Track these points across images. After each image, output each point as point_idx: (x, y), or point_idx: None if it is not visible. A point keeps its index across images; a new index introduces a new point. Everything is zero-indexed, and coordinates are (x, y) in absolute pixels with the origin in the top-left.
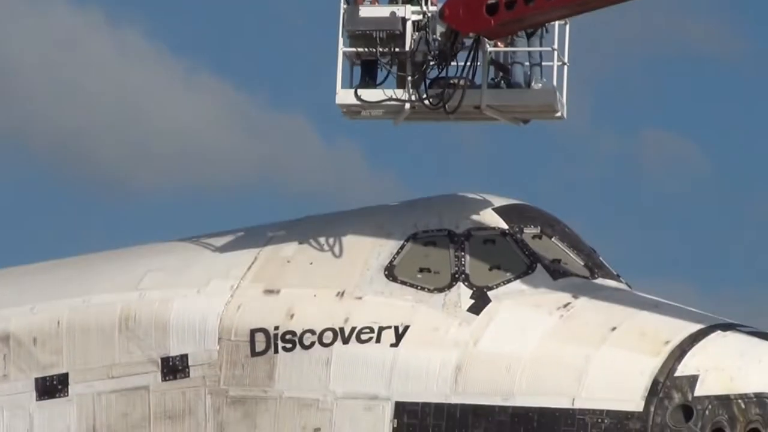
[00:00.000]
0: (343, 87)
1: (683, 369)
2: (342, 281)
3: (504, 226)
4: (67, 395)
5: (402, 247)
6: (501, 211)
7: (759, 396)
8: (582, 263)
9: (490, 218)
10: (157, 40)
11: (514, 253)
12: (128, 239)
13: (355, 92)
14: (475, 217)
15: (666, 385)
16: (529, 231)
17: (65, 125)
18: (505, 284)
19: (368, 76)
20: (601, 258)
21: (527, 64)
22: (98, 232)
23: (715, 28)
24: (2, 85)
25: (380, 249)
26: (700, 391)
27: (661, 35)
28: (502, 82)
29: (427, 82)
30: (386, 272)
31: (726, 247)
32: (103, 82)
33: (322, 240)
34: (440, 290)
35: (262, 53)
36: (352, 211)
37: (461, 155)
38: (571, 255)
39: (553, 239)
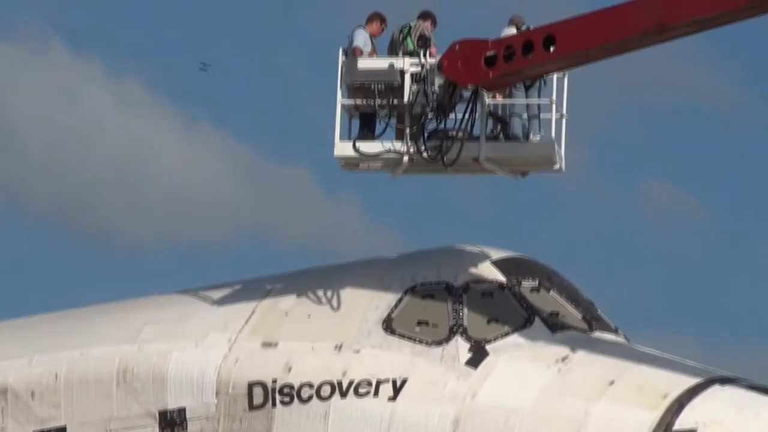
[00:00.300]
0: (341, 139)
1: (681, 423)
2: (340, 334)
3: (502, 278)
4: None
5: (400, 300)
6: (499, 263)
7: None
8: (580, 316)
9: (489, 271)
10: (158, 91)
11: (512, 306)
12: (127, 290)
13: (354, 144)
14: (473, 269)
15: None
16: (527, 284)
17: (64, 176)
18: (503, 337)
19: (366, 129)
20: (599, 311)
21: (525, 116)
22: (96, 284)
23: (713, 80)
24: (2, 137)
25: (378, 302)
26: None
27: (659, 87)
28: (501, 134)
29: (426, 134)
30: (384, 325)
31: (725, 299)
32: (103, 133)
33: (320, 293)
34: (438, 343)
35: (262, 104)
36: (350, 264)
37: (459, 207)
38: (570, 308)
39: (551, 292)
